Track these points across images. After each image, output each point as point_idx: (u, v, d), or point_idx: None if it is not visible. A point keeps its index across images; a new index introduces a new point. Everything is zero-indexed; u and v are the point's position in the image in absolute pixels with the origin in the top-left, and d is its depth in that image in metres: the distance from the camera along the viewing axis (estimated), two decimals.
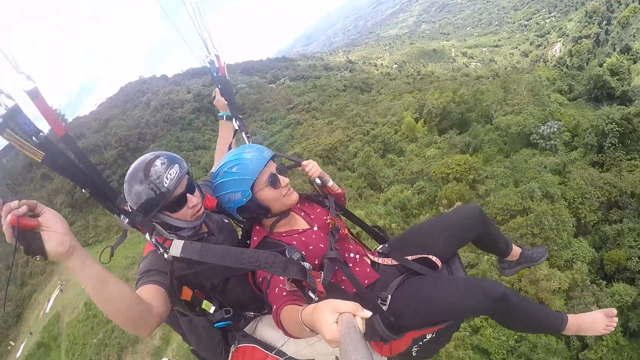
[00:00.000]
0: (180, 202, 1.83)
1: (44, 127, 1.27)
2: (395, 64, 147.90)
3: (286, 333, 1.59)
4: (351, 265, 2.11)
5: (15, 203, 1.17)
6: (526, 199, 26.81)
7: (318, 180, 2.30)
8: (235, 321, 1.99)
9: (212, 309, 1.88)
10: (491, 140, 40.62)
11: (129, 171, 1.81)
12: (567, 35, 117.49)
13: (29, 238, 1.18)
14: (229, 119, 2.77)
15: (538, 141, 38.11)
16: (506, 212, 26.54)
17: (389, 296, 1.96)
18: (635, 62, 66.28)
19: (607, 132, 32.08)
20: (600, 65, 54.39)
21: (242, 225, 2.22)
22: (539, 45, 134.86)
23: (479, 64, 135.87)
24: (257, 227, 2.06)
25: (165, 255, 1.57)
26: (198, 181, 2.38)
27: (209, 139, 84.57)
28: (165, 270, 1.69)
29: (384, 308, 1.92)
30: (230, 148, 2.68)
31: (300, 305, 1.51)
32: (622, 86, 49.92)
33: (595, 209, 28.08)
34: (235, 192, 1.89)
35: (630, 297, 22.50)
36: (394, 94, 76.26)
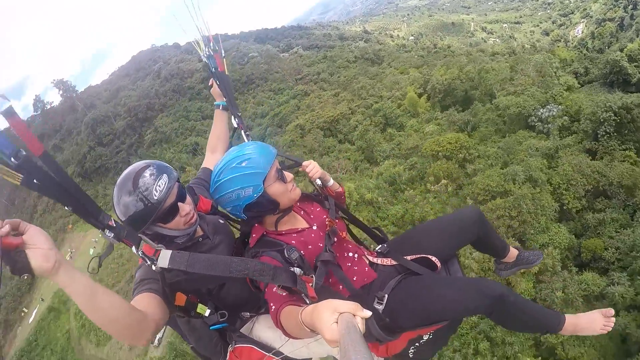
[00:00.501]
0: (171, 212, 1.77)
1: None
2: (412, 35, 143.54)
3: (286, 334, 1.59)
4: (349, 264, 2.11)
5: None
6: (508, 182, 26.92)
7: (319, 181, 2.27)
8: (231, 323, 2.00)
9: (207, 312, 1.86)
10: (489, 119, 40.26)
11: (119, 179, 1.75)
12: (591, 17, 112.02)
13: (14, 257, 1.16)
14: (225, 109, 2.69)
15: (536, 124, 37.76)
16: (487, 193, 26.74)
17: (386, 295, 1.97)
18: None
19: (602, 120, 31.56)
20: (621, 50, 52.09)
21: (239, 227, 2.18)
22: (561, 25, 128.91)
23: (497, 40, 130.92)
24: (257, 226, 2.02)
25: (154, 267, 1.54)
26: (190, 181, 2.40)
27: None
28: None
29: (381, 307, 1.94)
30: (231, 145, 2.65)
31: (299, 306, 1.51)
32: (639, 73, 48.25)
33: (579, 197, 28.08)
34: (247, 188, 1.84)
35: (598, 288, 22.62)
36: (403, 67, 74.77)
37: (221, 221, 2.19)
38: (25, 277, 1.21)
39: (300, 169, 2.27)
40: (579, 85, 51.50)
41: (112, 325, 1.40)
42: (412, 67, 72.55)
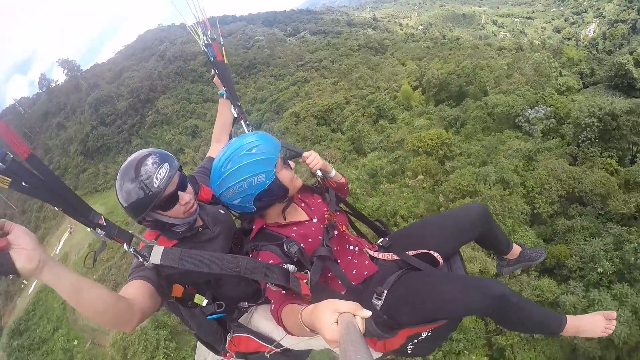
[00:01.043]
0: (171, 200, 1.80)
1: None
2: (422, 25, 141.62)
3: (287, 331, 1.60)
4: (350, 257, 2.09)
5: None
6: (479, 182, 26.98)
7: (319, 173, 2.22)
8: (228, 313, 2.02)
9: (204, 302, 1.88)
10: (478, 117, 40.05)
11: (122, 166, 1.77)
12: (604, 17, 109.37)
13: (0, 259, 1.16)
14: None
15: (523, 124, 37.52)
16: (458, 192, 26.85)
17: (385, 291, 1.95)
18: None
19: (585, 125, 31.26)
20: (631, 53, 51.02)
21: (241, 223, 2.17)
22: (573, 23, 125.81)
23: (507, 34, 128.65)
24: (257, 218, 2.00)
25: (146, 264, 1.55)
26: (194, 170, 2.42)
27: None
28: None
29: (380, 303, 1.92)
30: (231, 136, 2.67)
31: (300, 305, 1.51)
32: None
33: (552, 202, 27.84)
34: (259, 174, 1.81)
35: (552, 295, 21.99)
36: (404, 58, 74.08)
37: (222, 211, 2.19)
38: (11, 278, 1.22)
39: (300, 160, 2.23)
40: (582, 87, 50.90)
41: (98, 316, 1.42)
42: (415, 58, 71.82)
